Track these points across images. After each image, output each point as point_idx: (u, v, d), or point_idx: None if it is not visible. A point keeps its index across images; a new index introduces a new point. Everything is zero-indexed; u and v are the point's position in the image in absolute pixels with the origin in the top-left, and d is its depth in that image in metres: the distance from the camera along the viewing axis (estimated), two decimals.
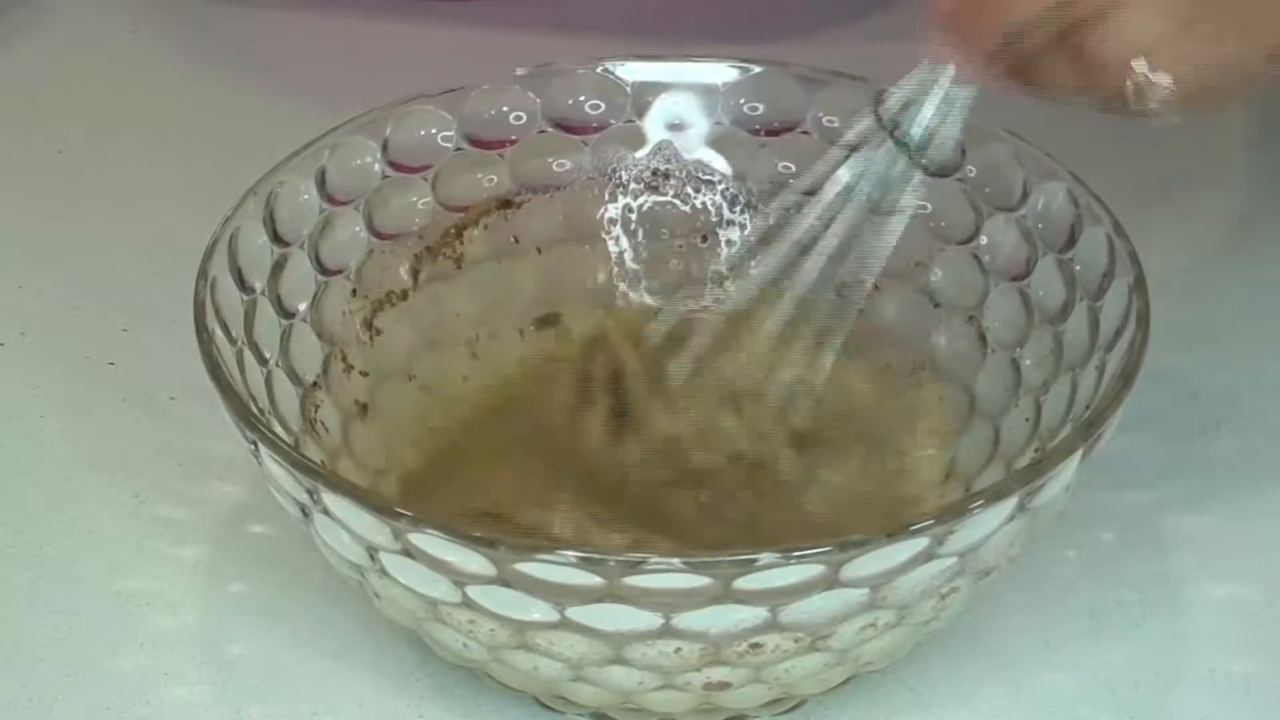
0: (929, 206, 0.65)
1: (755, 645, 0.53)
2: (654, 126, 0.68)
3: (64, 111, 0.85)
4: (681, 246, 0.68)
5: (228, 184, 0.63)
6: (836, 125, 0.66)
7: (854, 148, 0.60)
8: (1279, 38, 0.56)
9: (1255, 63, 0.56)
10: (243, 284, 0.61)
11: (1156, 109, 0.56)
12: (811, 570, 0.51)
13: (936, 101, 0.59)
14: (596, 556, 0.51)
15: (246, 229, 0.61)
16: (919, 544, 0.52)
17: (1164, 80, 0.55)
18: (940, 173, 0.61)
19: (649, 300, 0.68)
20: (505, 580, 0.52)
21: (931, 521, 0.52)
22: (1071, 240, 0.62)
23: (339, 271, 0.64)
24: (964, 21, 0.57)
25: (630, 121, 0.68)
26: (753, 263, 0.63)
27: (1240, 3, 0.56)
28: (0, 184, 0.81)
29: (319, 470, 0.55)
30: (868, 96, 0.65)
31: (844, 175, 0.60)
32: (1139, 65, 0.55)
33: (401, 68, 0.80)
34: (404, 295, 0.66)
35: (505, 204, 0.67)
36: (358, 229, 0.65)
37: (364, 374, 0.64)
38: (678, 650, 0.53)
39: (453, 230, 0.67)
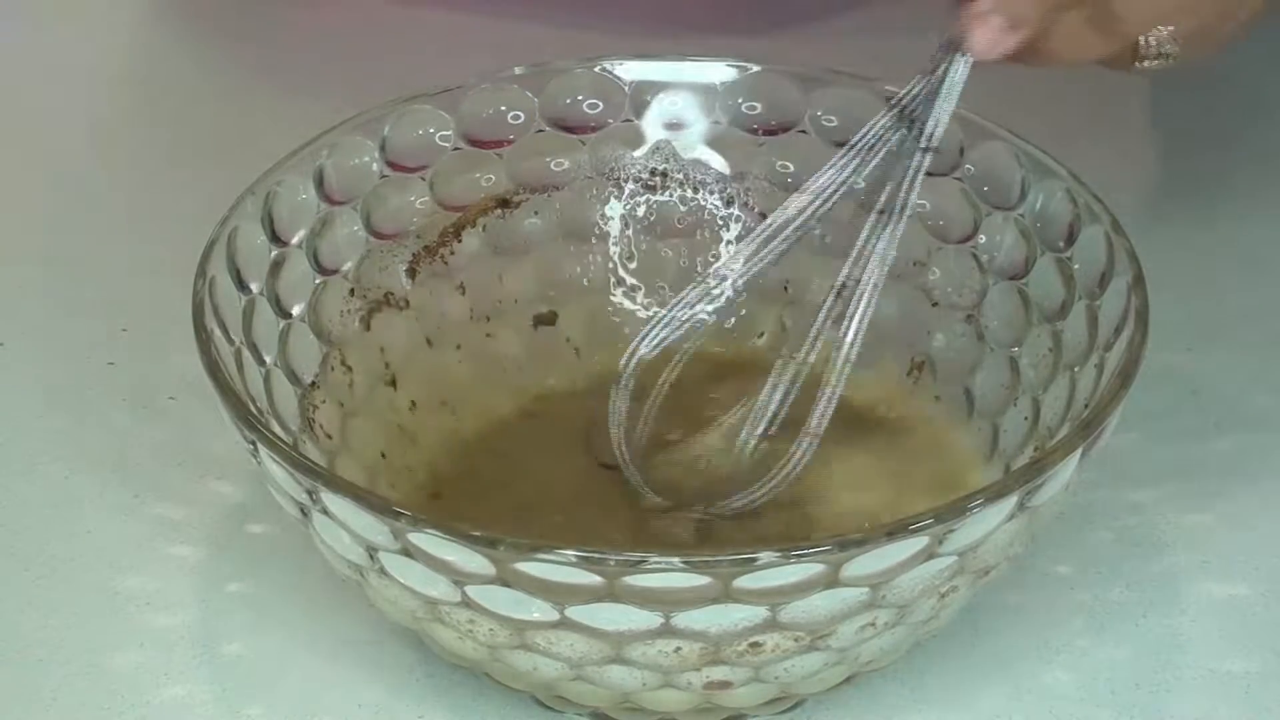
0: (928, 205, 0.65)
1: (755, 644, 0.53)
2: (652, 126, 0.68)
3: (64, 111, 0.85)
4: (680, 246, 0.68)
5: (227, 183, 0.63)
6: (835, 124, 0.66)
7: (868, 147, 0.61)
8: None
9: (1239, 18, 0.61)
10: (241, 284, 0.61)
11: (1158, 64, 0.60)
12: (811, 569, 0.51)
13: (951, 89, 0.59)
14: (596, 556, 0.51)
15: (245, 228, 0.61)
16: (918, 543, 0.52)
17: (1166, 32, 0.60)
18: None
19: (646, 300, 0.68)
20: (505, 580, 0.52)
21: (931, 520, 0.52)
22: (1070, 239, 0.62)
23: (337, 271, 0.64)
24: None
25: (628, 121, 0.68)
26: (758, 267, 0.63)
27: None
28: (0, 184, 0.81)
29: (319, 470, 0.54)
30: (867, 95, 0.65)
31: (854, 174, 0.61)
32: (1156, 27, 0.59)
33: (399, 66, 0.80)
34: (402, 295, 0.66)
35: (503, 203, 0.67)
36: (356, 228, 0.65)
37: (361, 373, 0.64)
38: (677, 650, 0.53)
39: (450, 230, 0.67)
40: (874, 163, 0.60)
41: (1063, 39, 0.59)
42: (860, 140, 0.61)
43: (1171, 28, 0.60)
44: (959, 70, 0.59)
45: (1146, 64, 0.60)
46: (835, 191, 0.61)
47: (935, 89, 0.59)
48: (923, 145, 0.59)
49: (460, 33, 0.87)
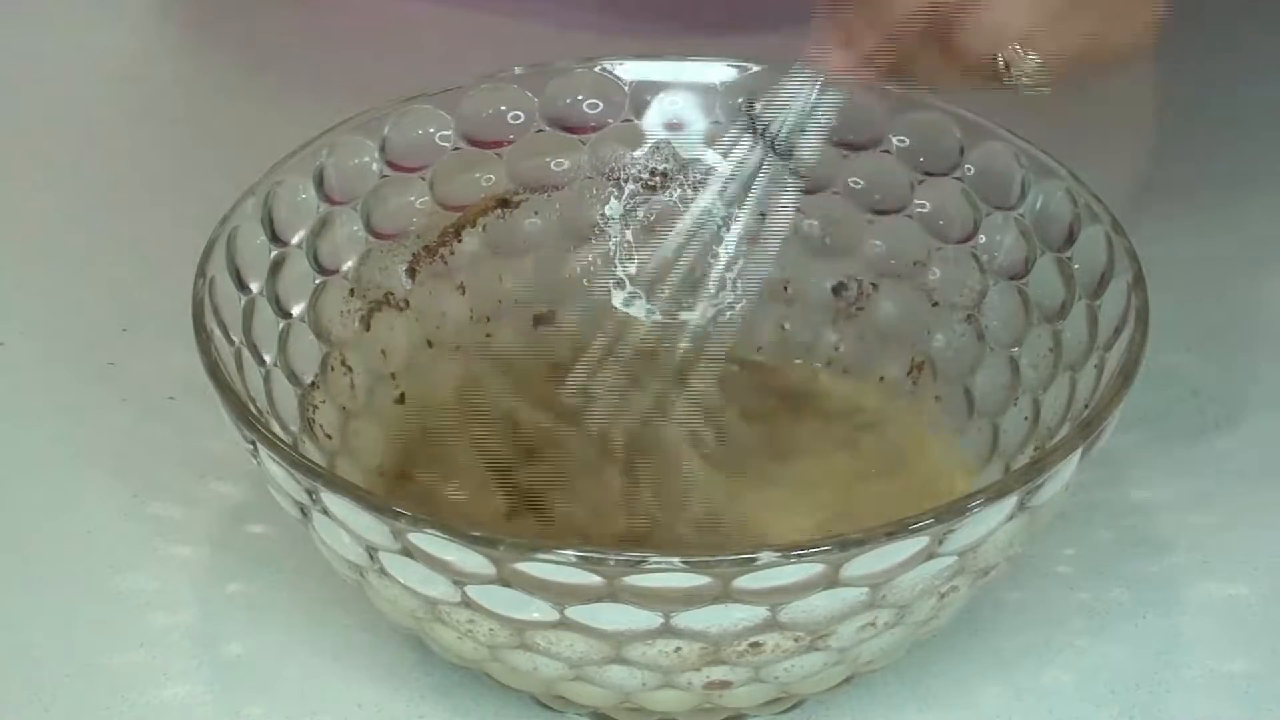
0: (927, 205, 0.65)
1: (755, 644, 0.53)
2: (652, 126, 0.68)
3: (65, 112, 0.85)
4: (680, 246, 0.68)
5: (227, 184, 0.63)
6: (834, 124, 0.66)
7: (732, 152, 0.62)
8: (1147, 17, 0.59)
9: (1122, 42, 0.59)
10: (241, 284, 0.61)
11: (1029, 84, 0.58)
12: (811, 569, 0.51)
13: (802, 104, 0.60)
14: (596, 556, 0.50)
15: (245, 228, 0.61)
16: (918, 543, 0.52)
17: (1034, 59, 0.57)
18: (807, 175, 0.62)
19: (646, 301, 0.68)
20: (505, 580, 0.52)
21: (931, 520, 0.52)
22: (1070, 238, 0.62)
23: (337, 271, 0.64)
24: (850, 22, 0.58)
25: (628, 121, 0.68)
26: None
27: None
28: (0, 183, 0.81)
29: (318, 470, 0.54)
30: (866, 95, 0.65)
31: (719, 180, 0.62)
32: (1009, 50, 0.57)
33: (399, 66, 0.80)
34: (402, 295, 0.66)
35: (503, 203, 0.67)
36: (356, 228, 0.65)
37: (362, 374, 0.64)
38: (677, 650, 0.53)
39: (451, 230, 0.67)
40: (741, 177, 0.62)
41: (922, 65, 0.58)
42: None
43: (1035, 55, 0.57)
44: (816, 88, 0.60)
45: (1013, 83, 0.58)
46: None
47: (795, 106, 0.61)
48: (791, 169, 0.60)
49: (460, 33, 0.87)
